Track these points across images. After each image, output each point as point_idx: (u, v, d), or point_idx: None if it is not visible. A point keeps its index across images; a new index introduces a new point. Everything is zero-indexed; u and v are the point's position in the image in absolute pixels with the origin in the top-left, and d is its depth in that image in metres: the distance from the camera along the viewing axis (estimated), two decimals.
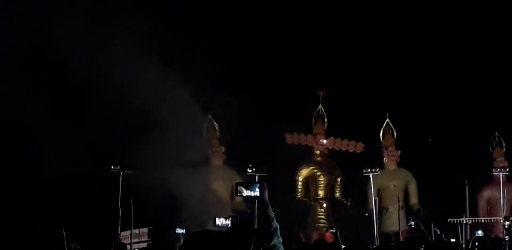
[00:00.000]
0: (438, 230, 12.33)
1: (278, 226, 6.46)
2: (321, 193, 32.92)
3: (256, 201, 6.72)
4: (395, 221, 29.35)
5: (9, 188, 26.77)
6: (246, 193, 6.73)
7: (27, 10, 25.46)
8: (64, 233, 21.52)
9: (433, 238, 11.62)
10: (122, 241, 25.24)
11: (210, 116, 30.49)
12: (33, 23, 24.76)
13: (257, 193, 6.63)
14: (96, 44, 25.61)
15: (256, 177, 27.56)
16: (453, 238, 22.55)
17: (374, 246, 20.54)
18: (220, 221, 16.69)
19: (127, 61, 25.62)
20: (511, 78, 33.46)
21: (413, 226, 10.76)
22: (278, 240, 6.23)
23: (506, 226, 26.56)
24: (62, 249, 17.73)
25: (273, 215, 6.51)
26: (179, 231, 10.16)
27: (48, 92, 25.04)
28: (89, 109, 25.57)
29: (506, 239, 16.43)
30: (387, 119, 33.26)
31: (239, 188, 6.78)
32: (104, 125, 25.09)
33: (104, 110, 25.12)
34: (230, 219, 17.27)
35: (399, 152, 33.06)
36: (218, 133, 31.21)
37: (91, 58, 25.14)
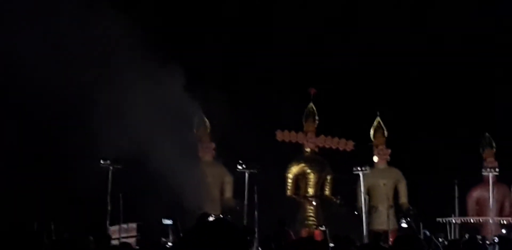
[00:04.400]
0: (427, 232, 12.30)
1: None
2: (311, 191, 32.92)
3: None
4: (384, 220, 29.40)
5: None
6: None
7: None
8: (52, 227, 21.50)
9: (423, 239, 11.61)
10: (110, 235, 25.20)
11: (201, 113, 30.40)
12: None
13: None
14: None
15: (246, 174, 27.53)
16: (446, 239, 22.57)
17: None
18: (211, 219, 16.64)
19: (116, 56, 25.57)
20: (500, 79, 33.56)
21: (405, 225, 10.76)
22: None
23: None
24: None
25: None
26: (166, 222, 10.13)
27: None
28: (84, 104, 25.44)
29: (496, 241, 16.45)
30: (378, 118, 33.29)
31: None
32: (95, 120, 24.98)
33: (97, 105, 25.08)
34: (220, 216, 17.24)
35: (389, 151, 33.09)
36: (208, 129, 31.15)
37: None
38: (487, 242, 20.53)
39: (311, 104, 33.45)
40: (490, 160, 32.61)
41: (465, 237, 17.15)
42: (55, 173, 25.79)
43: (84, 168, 23.73)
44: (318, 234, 28.14)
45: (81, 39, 25.30)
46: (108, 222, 26.10)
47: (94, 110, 24.81)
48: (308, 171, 32.93)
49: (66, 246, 7.29)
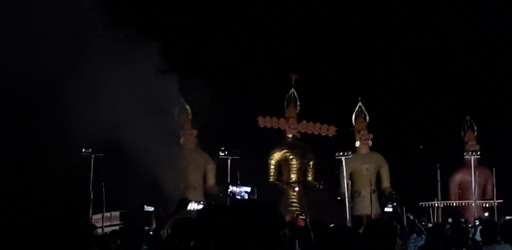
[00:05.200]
0: (411, 216, 12.28)
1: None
2: (293, 177, 32.93)
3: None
4: (367, 205, 29.45)
5: None
6: (236, 191, 6.70)
7: None
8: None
9: (406, 224, 11.58)
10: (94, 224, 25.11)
11: (182, 100, 30.28)
12: None
13: (244, 196, 6.60)
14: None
15: (229, 161, 27.47)
16: (429, 223, 22.60)
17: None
18: (191, 206, 16.57)
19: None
20: (483, 63, 33.64)
21: (389, 210, 10.72)
22: None
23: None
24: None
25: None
26: (148, 208, 10.07)
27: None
28: (60, 94, 25.25)
29: (477, 223, 16.45)
30: (360, 103, 33.29)
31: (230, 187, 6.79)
32: (79, 109, 24.83)
33: (79, 96, 24.90)
34: (200, 203, 17.14)
35: (371, 136, 33.11)
36: (190, 117, 31.04)
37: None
38: (470, 225, 20.58)
39: (293, 90, 33.40)
40: (472, 143, 32.70)
41: (448, 221, 17.18)
42: (34, 162, 25.63)
43: (64, 157, 23.58)
44: (301, 221, 28.16)
45: (51, 22, 24.92)
46: (91, 211, 26.02)
47: (70, 97, 24.60)
48: (291, 156, 32.91)
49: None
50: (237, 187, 6.72)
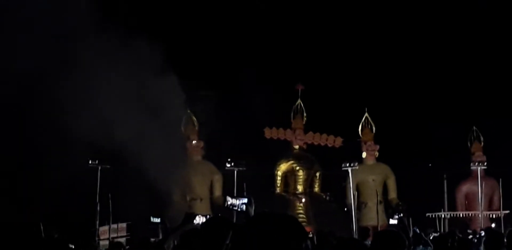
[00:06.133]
0: (417, 229, 12.32)
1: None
2: (300, 188, 32.91)
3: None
4: (374, 216, 29.38)
5: None
6: (234, 203, 6.75)
7: None
8: (42, 228, 21.32)
9: (412, 236, 11.60)
10: (101, 236, 25.20)
11: (188, 111, 30.34)
12: None
13: (243, 207, 6.64)
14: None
15: (235, 172, 27.50)
16: (435, 233, 22.55)
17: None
18: (198, 220, 16.60)
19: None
20: (489, 74, 33.63)
21: (395, 222, 10.72)
22: None
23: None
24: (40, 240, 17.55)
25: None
26: (155, 220, 10.10)
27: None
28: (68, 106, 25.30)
29: (482, 234, 16.44)
30: (366, 114, 33.27)
31: (228, 199, 6.84)
32: (85, 120, 24.88)
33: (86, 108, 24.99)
34: (207, 216, 17.18)
35: (378, 147, 33.07)
36: (196, 128, 31.07)
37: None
38: (477, 236, 20.56)
39: (299, 101, 33.44)
40: (478, 154, 32.67)
41: (455, 232, 17.15)
42: (42, 172, 25.68)
43: (71, 168, 23.62)
44: (308, 231, 28.17)
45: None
46: (97, 223, 26.04)
47: (77, 109, 24.67)
48: (297, 168, 32.91)
49: (56, 245, 7.28)
50: (235, 199, 6.76)
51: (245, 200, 6.67)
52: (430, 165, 33.67)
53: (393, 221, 10.77)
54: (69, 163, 24.35)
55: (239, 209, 6.68)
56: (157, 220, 11.23)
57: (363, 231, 15.73)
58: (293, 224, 3.40)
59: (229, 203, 6.75)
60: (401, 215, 11.80)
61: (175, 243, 8.28)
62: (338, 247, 5.36)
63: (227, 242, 5.96)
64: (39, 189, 25.97)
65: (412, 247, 10.99)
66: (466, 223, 31.87)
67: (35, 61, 23.32)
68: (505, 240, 8.54)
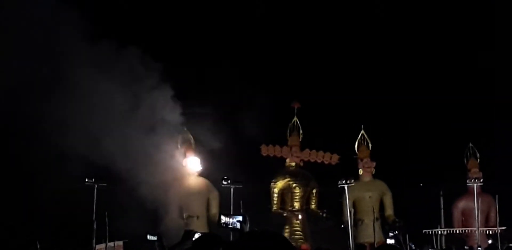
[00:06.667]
0: (413, 245, 12.36)
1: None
2: (296, 205, 32.86)
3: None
4: (371, 233, 29.35)
5: None
6: (228, 221, 6.78)
7: None
8: (38, 246, 21.38)
9: None
10: None
11: (185, 129, 30.36)
12: None
13: (237, 225, 6.67)
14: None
15: (231, 189, 27.47)
16: (432, 249, 22.63)
17: None
18: (197, 237, 16.59)
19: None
20: (484, 91, 33.74)
21: (392, 241, 10.76)
22: None
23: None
24: None
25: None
26: (152, 237, 10.08)
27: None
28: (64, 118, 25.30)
29: None
30: (362, 131, 33.31)
31: (222, 217, 6.88)
32: (81, 137, 24.91)
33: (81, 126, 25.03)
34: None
35: (374, 163, 33.07)
36: (193, 145, 31.08)
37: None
38: None
39: (295, 118, 33.48)
40: (475, 171, 32.69)
41: (452, 249, 17.15)
42: (39, 190, 25.69)
43: (67, 187, 23.65)
44: (305, 249, 28.19)
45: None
46: (94, 241, 25.98)
47: (71, 128, 24.71)
48: (294, 185, 32.88)
49: None
50: (229, 218, 6.79)
51: (240, 218, 6.70)
52: (421, 184, 33.82)
53: (390, 241, 10.79)
54: (65, 181, 24.37)
55: (233, 227, 6.71)
56: (154, 237, 11.25)
57: (360, 248, 15.75)
58: (282, 242, 3.46)
59: (222, 221, 6.79)
60: (396, 232, 11.83)
61: None
62: None
63: None
64: (35, 207, 25.98)
65: None
66: (463, 239, 31.87)
67: (25, 76, 23.39)
68: None
